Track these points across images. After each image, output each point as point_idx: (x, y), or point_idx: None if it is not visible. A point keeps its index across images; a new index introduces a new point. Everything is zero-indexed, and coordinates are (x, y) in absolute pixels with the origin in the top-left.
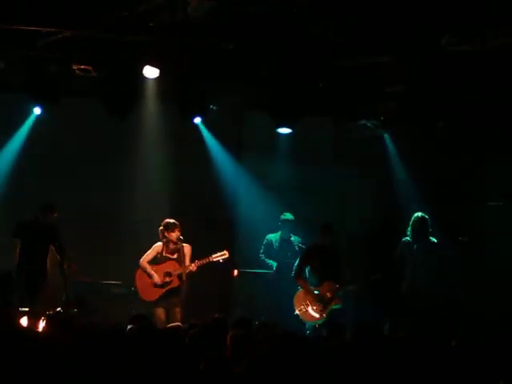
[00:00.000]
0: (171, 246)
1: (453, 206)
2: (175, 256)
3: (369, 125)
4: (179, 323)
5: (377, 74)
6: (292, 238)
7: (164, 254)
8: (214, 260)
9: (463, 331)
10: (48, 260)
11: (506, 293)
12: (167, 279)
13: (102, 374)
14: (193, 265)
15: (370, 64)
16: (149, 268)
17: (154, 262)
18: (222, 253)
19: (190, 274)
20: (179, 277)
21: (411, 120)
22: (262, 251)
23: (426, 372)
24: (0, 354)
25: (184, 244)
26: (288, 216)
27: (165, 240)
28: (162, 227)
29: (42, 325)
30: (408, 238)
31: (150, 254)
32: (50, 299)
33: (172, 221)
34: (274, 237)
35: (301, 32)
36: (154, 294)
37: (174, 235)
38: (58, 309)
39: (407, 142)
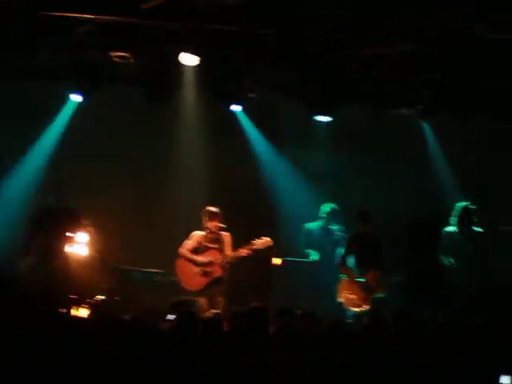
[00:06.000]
0: (210, 235)
1: (492, 194)
2: (215, 245)
3: (408, 113)
4: (220, 311)
5: (415, 61)
6: (333, 227)
7: (204, 244)
8: (258, 248)
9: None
10: (93, 246)
11: None
12: (209, 269)
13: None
14: (242, 250)
15: (408, 52)
16: (191, 254)
17: (195, 252)
18: (266, 239)
19: (232, 263)
20: (221, 266)
21: (450, 109)
22: (301, 241)
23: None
24: (45, 338)
25: (224, 233)
26: (329, 206)
27: (205, 228)
28: (203, 214)
29: (84, 312)
30: (451, 228)
31: (190, 244)
32: (91, 287)
33: (212, 209)
34: (313, 226)
35: (339, 19)
36: (197, 284)
37: (213, 225)
38: (102, 297)
39: (447, 130)
